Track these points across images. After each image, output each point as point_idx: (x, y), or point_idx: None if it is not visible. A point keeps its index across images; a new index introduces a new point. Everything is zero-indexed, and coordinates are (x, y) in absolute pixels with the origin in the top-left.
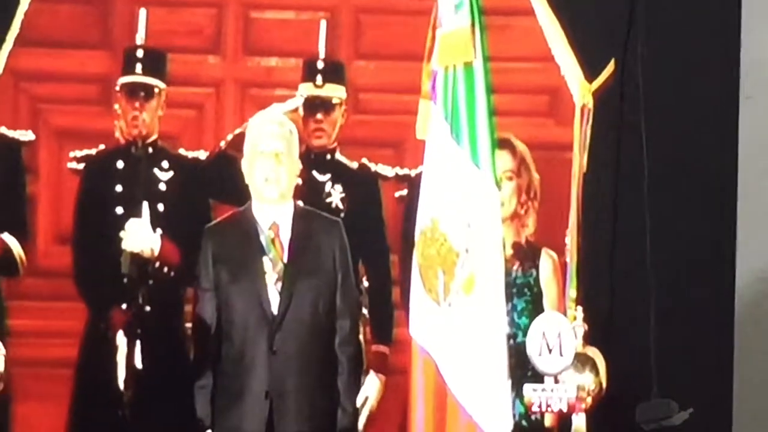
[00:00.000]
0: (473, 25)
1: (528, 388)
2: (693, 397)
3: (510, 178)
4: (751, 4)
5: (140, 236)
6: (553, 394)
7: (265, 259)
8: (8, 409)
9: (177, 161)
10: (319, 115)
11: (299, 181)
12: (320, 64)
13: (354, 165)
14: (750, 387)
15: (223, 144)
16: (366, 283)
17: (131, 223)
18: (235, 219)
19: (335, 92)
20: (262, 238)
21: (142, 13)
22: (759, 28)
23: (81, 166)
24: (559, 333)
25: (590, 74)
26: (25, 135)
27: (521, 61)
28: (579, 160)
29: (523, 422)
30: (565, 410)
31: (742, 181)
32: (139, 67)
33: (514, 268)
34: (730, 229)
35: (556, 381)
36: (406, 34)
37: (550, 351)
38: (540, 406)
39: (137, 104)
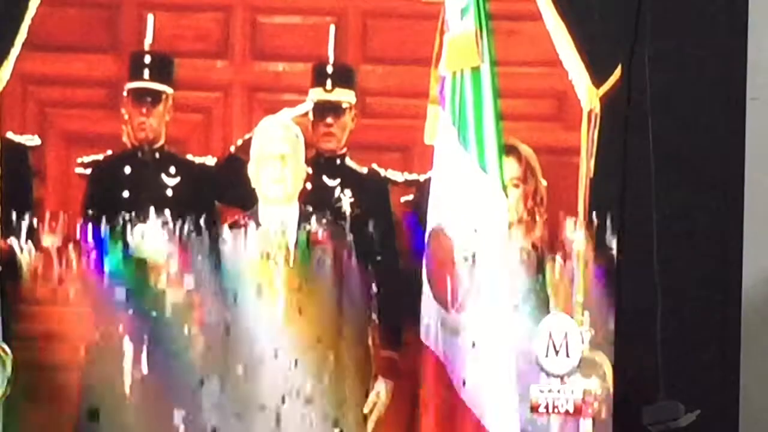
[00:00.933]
0: (480, 29)
1: (534, 389)
2: (700, 399)
3: (516, 186)
4: (757, 6)
5: (147, 242)
6: (559, 395)
7: (271, 262)
8: (15, 413)
9: (184, 167)
10: (329, 120)
11: (308, 185)
12: (330, 69)
13: (364, 170)
14: (757, 388)
15: (233, 149)
16: (375, 289)
17: (138, 229)
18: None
19: (345, 97)
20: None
21: (150, 18)
22: (765, 29)
23: (88, 171)
24: (566, 334)
25: (597, 79)
26: (32, 140)
27: (528, 65)
28: (586, 165)
29: (530, 427)
30: (571, 411)
31: (749, 183)
32: (146, 72)
33: (521, 272)
34: (737, 231)
35: (563, 382)
36: (414, 38)
37: (556, 352)
38: (546, 407)
39: (144, 110)
